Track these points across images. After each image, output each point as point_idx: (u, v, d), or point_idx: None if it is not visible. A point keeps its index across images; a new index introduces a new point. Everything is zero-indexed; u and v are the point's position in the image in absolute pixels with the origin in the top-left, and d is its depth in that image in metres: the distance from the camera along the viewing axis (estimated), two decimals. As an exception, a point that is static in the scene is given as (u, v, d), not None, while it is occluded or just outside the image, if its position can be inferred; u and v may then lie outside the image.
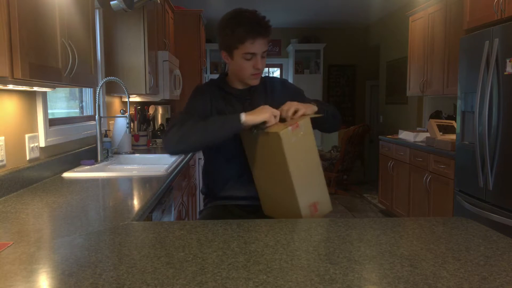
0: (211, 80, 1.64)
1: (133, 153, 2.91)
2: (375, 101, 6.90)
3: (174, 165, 2.30)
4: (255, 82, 1.54)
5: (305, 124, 1.36)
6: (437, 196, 3.44)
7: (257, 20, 1.44)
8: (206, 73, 6.67)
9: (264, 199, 1.54)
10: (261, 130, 1.38)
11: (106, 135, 2.71)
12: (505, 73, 2.47)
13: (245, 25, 1.42)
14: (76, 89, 2.78)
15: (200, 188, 1.76)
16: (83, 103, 2.87)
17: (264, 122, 1.36)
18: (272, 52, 7.15)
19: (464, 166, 2.95)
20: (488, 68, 2.61)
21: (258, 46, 1.45)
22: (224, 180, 1.58)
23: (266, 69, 7.34)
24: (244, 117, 1.35)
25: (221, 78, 1.61)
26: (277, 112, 1.38)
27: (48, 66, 1.44)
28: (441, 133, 3.57)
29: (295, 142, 1.33)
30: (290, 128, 1.31)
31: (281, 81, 1.72)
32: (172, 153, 1.51)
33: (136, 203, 1.56)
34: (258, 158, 1.48)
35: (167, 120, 4.00)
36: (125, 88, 2.50)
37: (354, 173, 6.37)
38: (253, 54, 1.45)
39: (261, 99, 1.54)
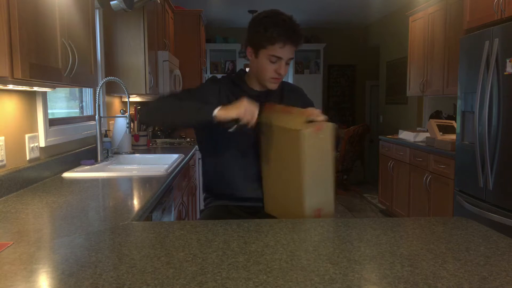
0: (228, 74, 1.62)
1: (133, 153, 2.91)
2: (375, 101, 6.90)
3: (174, 165, 2.30)
4: (273, 86, 1.50)
5: (328, 129, 1.32)
6: (437, 196, 3.44)
7: (292, 26, 1.42)
8: (206, 73, 6.67)
9: (268, 197, 1.52)
10: (239, 126, 1.31)
11: (106, 135, 2.71)
12: (505, 73, 2.47)
13: (280, 27, 1.39)
14: (76, 89, 2.77)
15: (201, 187, 1.74)
16: (83, 103, 2.87)
17: (238, 119, 1.30)
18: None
19: (464, 166, 2.95)
20: (488, 68, 2.61)
21: (286, 51, 1.42)
22: (230, 180, 1.55)
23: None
24: (217, 112, 1.30)
25: (239, 75, 1.58)
26: (254, 109, 1.30)
27: (48, 66, 1.44)
28: (441, 133, 3.57)
29: (314, 144, 1.30)
30: (313, 129, 1.28)
31: (298, 89, 1.69)
32: (144, 121, 1.49)
33: (136, 203, 1.56)
34: (272, 153, 1.44)
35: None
36: (125, 88, 2.50)
37: (354, 173, 6.37)
38: (279, 58, 1.42)
39: (275, 103, 1.52)
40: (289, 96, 1.60)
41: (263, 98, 1.51)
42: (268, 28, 1.40)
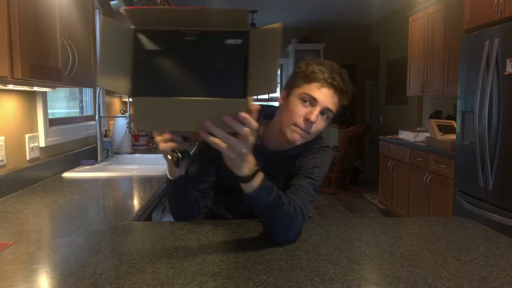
0: None
1: (133, 153, 2.91)
2: (375, 101, 6.90)
3: (174, 165, 2.30)
4: (294, 136, 1.16)
5: None
6: (437, 196, 3.44)
7: (338, 70, 1.19)
8: (206, 73, 6.66)
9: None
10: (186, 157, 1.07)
11: (106, 135, 2.71)
12: (505, 73, 2.47)
13: (322, 66, 1.17)
14: (76, 89, 2.77)
15: None
16: (83, 103, 2.87)
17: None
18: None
19: (464, 166, 2.95)
20: (488, 68, 2.61)
21: (323, 95, 1.15)
22: (219, 203, 1.44)
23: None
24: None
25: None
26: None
27: (48, 66, 1.44)
28: (441, 133, 3.57)
29: None
30: None
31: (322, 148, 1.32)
32: None
33: (136, 203, 1.56)
34: None
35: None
36: (125, 88, 2.49)
37: (354, 173, 6.37)
38: (313, 100, 1.14)
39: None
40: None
41: (276, 159, 1.25)
42: (309, 65, 1.18)
